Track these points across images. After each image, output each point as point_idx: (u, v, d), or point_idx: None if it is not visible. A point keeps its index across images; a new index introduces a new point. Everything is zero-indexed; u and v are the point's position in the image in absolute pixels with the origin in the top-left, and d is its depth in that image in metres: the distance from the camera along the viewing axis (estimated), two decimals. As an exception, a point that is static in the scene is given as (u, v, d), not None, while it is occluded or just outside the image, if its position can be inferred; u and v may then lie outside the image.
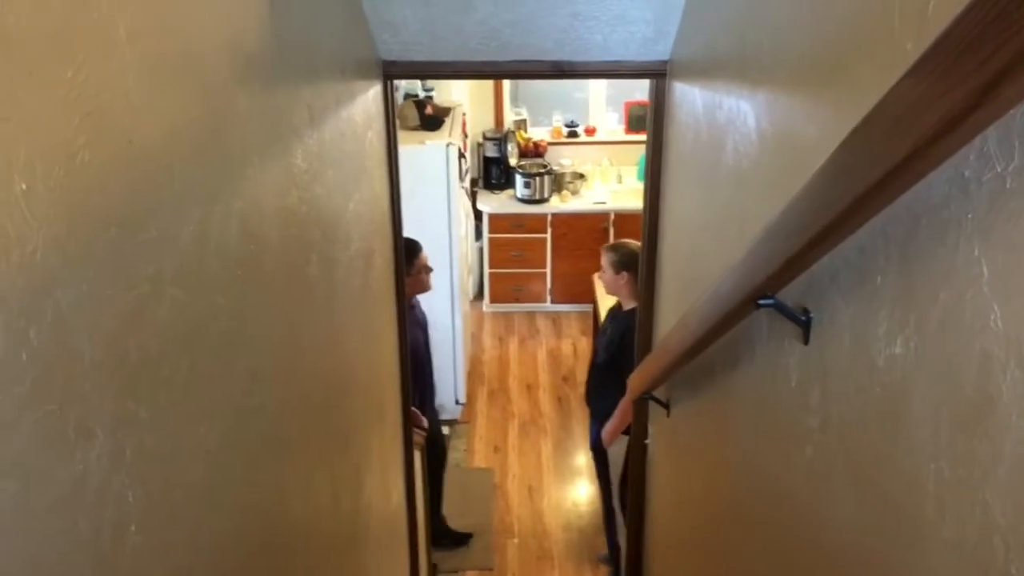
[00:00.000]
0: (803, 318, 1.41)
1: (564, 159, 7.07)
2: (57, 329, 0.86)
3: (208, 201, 1.29)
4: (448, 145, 5.07)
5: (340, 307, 2.31)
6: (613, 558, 4.33)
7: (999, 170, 0.86)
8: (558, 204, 6.73)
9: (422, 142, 5.11)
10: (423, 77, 4.87)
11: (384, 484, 3.09)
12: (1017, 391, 0.83)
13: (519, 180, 6.69)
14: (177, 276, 1.16)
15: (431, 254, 5.13)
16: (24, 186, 0.79)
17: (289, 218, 1.78)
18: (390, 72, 2.88)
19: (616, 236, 6.58)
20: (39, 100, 0.83)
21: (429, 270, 4.00)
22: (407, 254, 3.71)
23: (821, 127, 1.42)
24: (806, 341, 1.43)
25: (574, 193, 6.84)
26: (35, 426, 0.82)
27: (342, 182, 2.31)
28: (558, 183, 6.82)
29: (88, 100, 0.92)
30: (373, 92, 2.81)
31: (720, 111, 2.17)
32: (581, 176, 6.93)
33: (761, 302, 1.44)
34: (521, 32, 2.77)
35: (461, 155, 5.39)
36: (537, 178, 6.65)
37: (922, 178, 0.96)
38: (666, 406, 2.91)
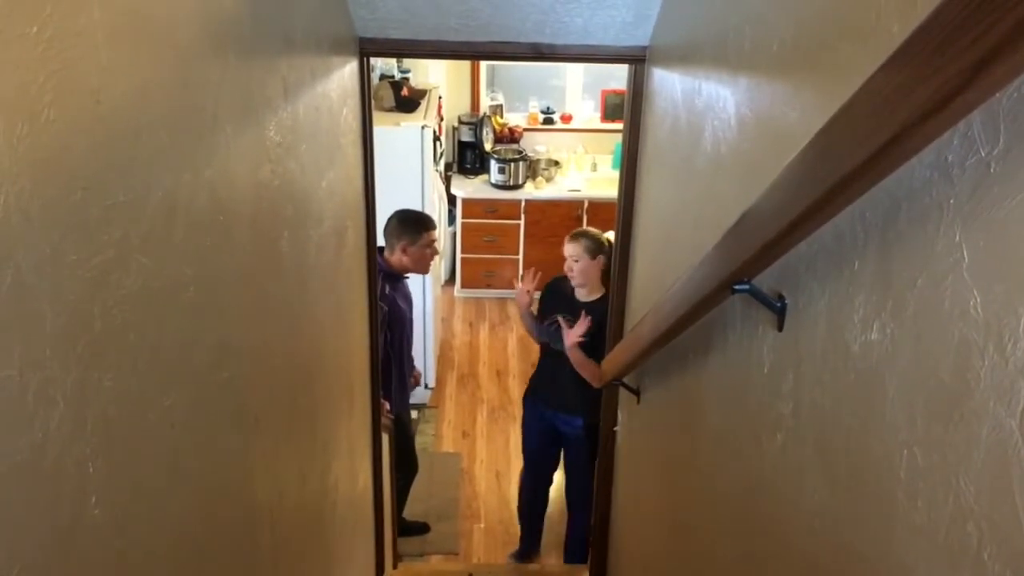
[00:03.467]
0: (778, 304, 1.41)
1: (539, 146, 7.05)
2: (16, 292, 0.83)
3: (178, 168, 1.26)
4: (423, 128, 5.03)
5: (311, 285, 2.28)
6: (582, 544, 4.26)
7: (983, 154, 0.85)
8: (532, 191, 6.71)
9: (397, 123, 5.07)
10: (400, 55, 4.82)
11: (351, 466, 3.06)
12: (995, 377, 0.83)
13: (494, 165, 6.66)
14: (145, 243, 1.13)
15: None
16: (-15, 141, 0.76)
17: (261, 191, 1.75)
18: (367, 49, 2.85)
19: (590, 224, 6.58)
20: (2, 55, 0.80)
21: (434, 252, 3.84)
22: (415, 226, 3.67)
23: (802, 113, 1.41)
24: (780, 327, 1.43)
25: (548, 180, 6.82)
26: (-8, 391, 0.80)
27: (316, 158, 2.28)
28: (533, 169, 6.80)
29: (54, 57, 0.89)
30: (349, 69, 2.77)
31: (699, 97, 2.16)
32: (556, 163, 6.91)
33: (736, 287, 1.43)
34: (501, 12, 2.74)
35: (436, 138, 5.35)
36: (512, 164, 6.63)
37: (906, 161, 0.95)
38: (636, 393, 2.91)
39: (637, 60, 2.87)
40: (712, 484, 1.96)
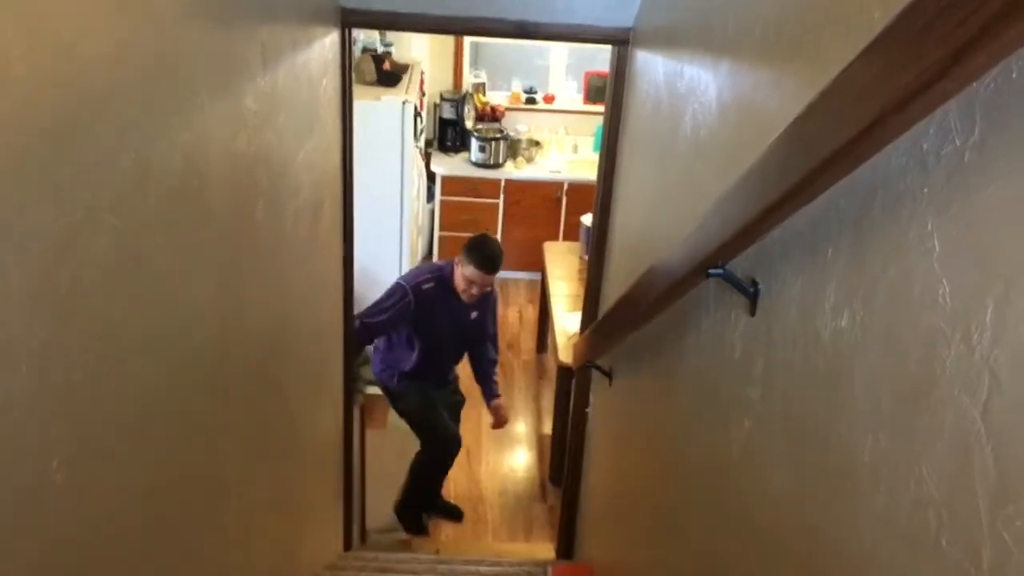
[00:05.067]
0: (751, 289, 1.41)
1: (520, 125, 7.02)
2: None
3: (151, 132, 1.24)
4: (404, 103, 4.99)
5: (286, 255, 2.26)
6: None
7: (958, 144, 0.85)
8: (512, 170, 6.69)
9: (378, 98, 5.02)
10: (382, 27, 4.77)
11: (321, 439, 3.06)
12: (961, 366, 0.84)
13: (474, 144, 6.63)
14: (115, 206, 1.11)
15: (381, 213, 5.08)
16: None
17: (237, 160, 1.73)
18: (348, 20, 2.81)
19: (568, 206, 6.58)
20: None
21: (469, 291, 3.87)
22: (480, 260, 3.77)
23: (783, 99, 1.41)
24: (753, 312, 1.43)
25: (529, 160, 6.80)
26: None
27: (294, 128, 2.25)
28: (513, 149, 6.77)
29: (23, 9, 0.87)
30: (330, 40, 2.74)
31: (681, 81, 2.16)
32: (537, 144, 6.89)
33: (711, 271, 1.43)
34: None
35: (417, 114, 5.31)
36: (493, 143, 6.60)
37: (882, 148, 0.95)
38: (609, 375, 2.92)
39: (620, 41, 2.86)
40: (682, 465, 1.97)
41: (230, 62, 1.67)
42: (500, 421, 4.38)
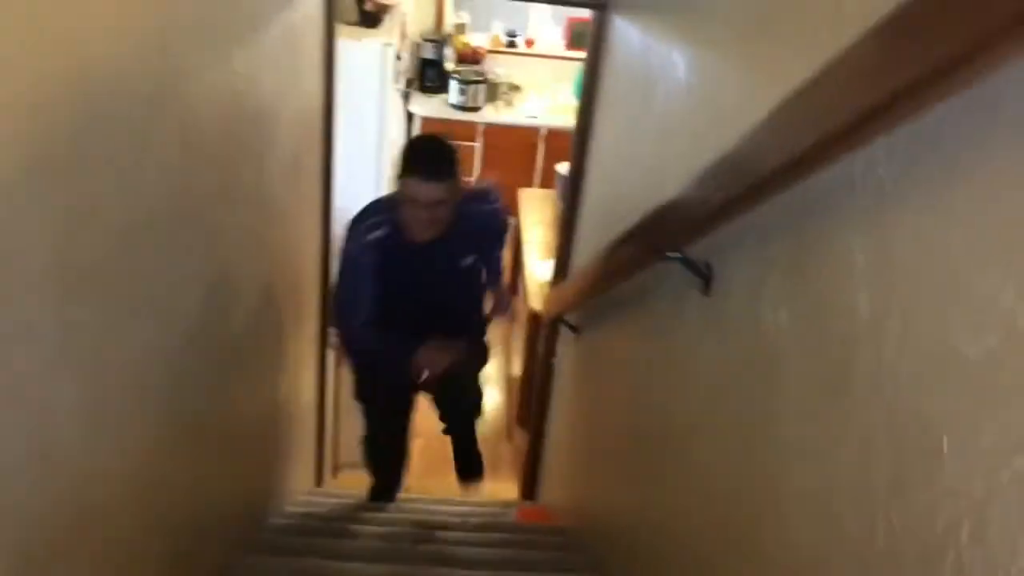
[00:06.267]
0: (705, 272, 1.52)
1: (500, 68, 7.03)
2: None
3: (147, 101, 1.32)
4: (386, 45, 5.00)
5: (270, 210, 2.35)
6: None
7: (881, 173, 0.96)
8: (491, 114, 6.72)
9: (359, 39, 5.02)
10: None
11: (297, 382, 3.17)
12: (871, 369, 0.96)
13: (454, 86, 6.65)
14: (120, 183, 1.20)
15: (360, 154, 5.13)
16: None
17: (227, 124, 1.81)
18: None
19: (547, 152, 6.64)
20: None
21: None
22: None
23: (750, 87, 1.50)
24: (706, 293, 1.55)
25: (508, 104, 6.83)
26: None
27: (278, 87, 2.32)
28: (493, 93, 6.79)
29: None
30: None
31: (654, 55, 2.24)
32: (516, 88, 6.92)
33: (669, 255, 1.54)
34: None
35: (398, 57, 5.33)
36: (472, 86, 6.61)
37: (836, 159, 1.02)
38: (575, 330, 3.05)
39: (599, 6, 2.92)
40: (636, 423, 2.12)
41: (218, 26, 1.73)
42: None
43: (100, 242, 1.14)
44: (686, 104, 1.90)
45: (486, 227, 2.74)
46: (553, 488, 3.59)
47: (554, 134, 6.58)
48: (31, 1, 0.93)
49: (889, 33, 0.83)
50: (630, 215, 2.04)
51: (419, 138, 2.68)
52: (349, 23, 5.19)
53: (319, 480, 3.79)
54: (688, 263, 1.54)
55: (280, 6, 2.28)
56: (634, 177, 2.40)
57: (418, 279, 2.58)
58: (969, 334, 0.79)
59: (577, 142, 3.25)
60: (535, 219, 5.36)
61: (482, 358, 3.13)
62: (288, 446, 3.07)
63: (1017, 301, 0.73)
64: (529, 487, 4.05)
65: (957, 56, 0.73)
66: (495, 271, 2.93)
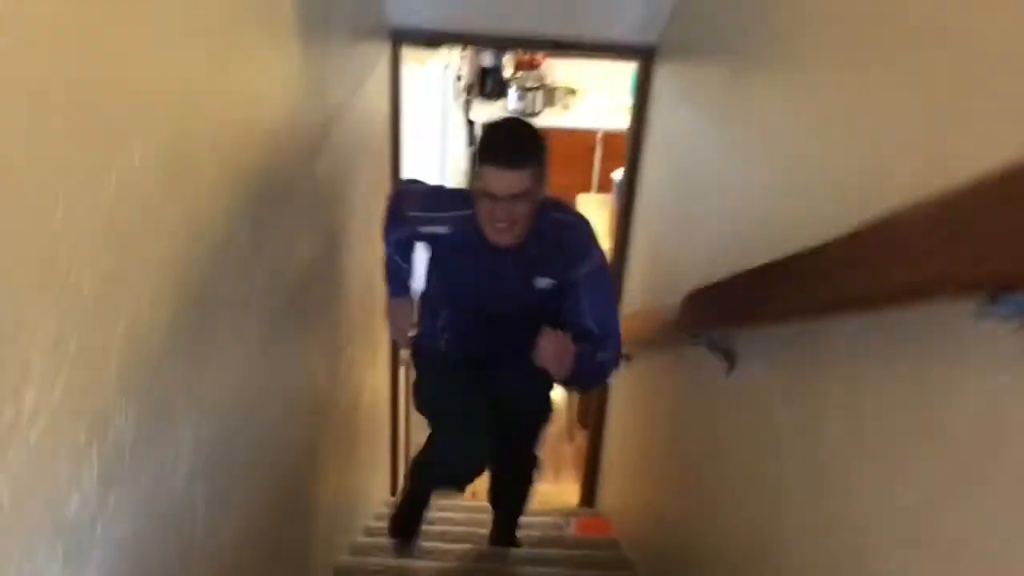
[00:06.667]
0: (727, 360, 1.74)
1: (558, 73, 7.21)
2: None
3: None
4: (446, 67, 5.25)
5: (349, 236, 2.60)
6: None
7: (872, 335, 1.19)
8: (550, 118, 6.93)
9: (422, 61, 5.28)
10: (429, 44, 4.81)
11: (374, 393, 3.44)
12: (804, 483, 1.19)
13: (512, 92, 6.87)
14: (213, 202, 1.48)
15: (423, 168, 5.40)
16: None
17: (310, 183, 2.08)
18: (399, 37, 3.11)
19: (604, 155, 6.83)
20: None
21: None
22: None
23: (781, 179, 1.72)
24: (728, 374, 1.77)
25: (565, 108, 7.03)
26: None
27: (350, 147, 2.55)
28: (550, 98, 6.98)
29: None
30: (382, 56, 3.04)
31: (697, 114, 2.44)
32: (572, 91, 7.10)
33: (693, 340, 1.78)
34: (523, 10, 3.00)
35: (458, 78, 5.57)
36: (531, 92, 6.83)
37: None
38: (627, 358, 3.27)
39: (646, 58, 3.12)
40: (676, 446, 2.35)
41: (346, 68, 1.95)
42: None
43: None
44: (716, 183, 2.11)
45: (571, 244, 2.12)
46: (612, 494, 3.83)
47: (611, 136, 6.76)
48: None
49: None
50: (672, 256, 2.23)
51: (500, 121, 2.05)
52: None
53: (393, 490, 4.09)
54: (712, 348, 1.77)
55: (352, 66, 2.52)
56: (676, 225, 2.61)
57: (482, 286, 2.18)
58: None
59: (628, 174, 3.45)
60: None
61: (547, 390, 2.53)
62: (372, 454, 3.37)
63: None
64: (589, 491, 4.29)
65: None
66: (602, 296, 2.13)
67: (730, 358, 1.73)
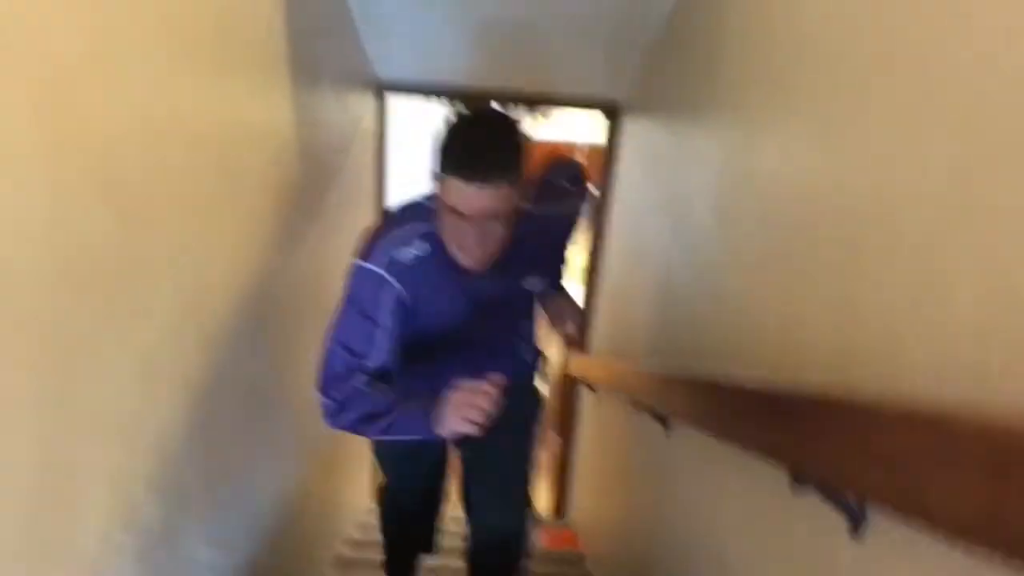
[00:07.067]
0: (664, 425, 1.99)
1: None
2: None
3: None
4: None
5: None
6: None
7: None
8: (531, 129, 7.05)
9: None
10: (414, 95, 4.92)
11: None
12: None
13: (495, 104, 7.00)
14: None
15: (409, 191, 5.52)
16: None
17: (298, 272, 2.31)
18: (385, 88, 3.33)
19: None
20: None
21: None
22: None
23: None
24: (666, 435, 2.02)
25: (544, 117, 7.15)
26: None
27: (340, 197, 2.77)
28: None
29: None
30: (369, 107, 3.26)
31: (661, 167, 2.61)
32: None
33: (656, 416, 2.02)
34: (498, 68, 3.23)
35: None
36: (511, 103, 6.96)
37: None
38: (593, 389, 3.48)
39: (611, 110, 3.36)
40: (630, 476, 2.58)
41: (291, 140, 2.10)
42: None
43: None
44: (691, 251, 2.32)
45: (562, 229, 1.91)
46: (580, 507, 3.93)
47: (596, 152, 6.87)
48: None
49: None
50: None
51: (473, 114, 1.51)
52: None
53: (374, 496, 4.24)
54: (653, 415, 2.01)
55: (340, 116, 2.73)
56: (634, 278, 2.84)
57: (461, 316, 1.76)
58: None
59: (594, 236, 3.65)
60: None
61: (531, 410, 2.15)
62: (350, 462, 3.55)
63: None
64: (560, 500, 4.38)
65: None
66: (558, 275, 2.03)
67: (665, 423, 1.98)
